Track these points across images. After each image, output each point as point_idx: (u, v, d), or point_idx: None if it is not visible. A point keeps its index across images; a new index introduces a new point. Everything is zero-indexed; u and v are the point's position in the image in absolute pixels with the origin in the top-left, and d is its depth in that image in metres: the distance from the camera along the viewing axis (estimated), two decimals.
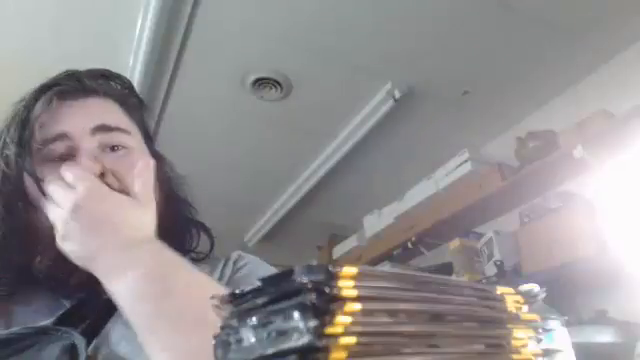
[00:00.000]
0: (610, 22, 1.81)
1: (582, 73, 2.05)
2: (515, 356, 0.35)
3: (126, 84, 0.74)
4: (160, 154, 0.75)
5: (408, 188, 2.53)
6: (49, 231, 0.56)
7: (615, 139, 1.69)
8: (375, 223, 2.73)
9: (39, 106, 0.62)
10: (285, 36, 1.84)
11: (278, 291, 0.30)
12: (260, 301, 0.31)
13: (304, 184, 2.75)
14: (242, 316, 0.32)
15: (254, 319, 0.31)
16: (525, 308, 0.37)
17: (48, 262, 0.59)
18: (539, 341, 0.37)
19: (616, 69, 1.97)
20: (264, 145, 2.47)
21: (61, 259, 0.56)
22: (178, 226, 0.71)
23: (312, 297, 0.27)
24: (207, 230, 0.75)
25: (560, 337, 0.64)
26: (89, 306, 0.58)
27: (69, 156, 0.61)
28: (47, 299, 0.61)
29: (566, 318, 0.65)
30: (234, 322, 0.33)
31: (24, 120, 0.62)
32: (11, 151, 0.61)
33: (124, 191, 0.60)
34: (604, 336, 1.48)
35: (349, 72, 2.02)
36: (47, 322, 0.55)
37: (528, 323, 0.37)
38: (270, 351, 0.28)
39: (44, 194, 0.58)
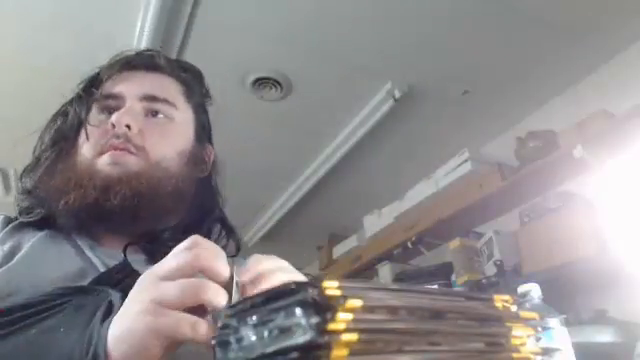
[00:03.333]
0: (610, 22, 1.81)
1: (582, 73, 2.05)
2: (514, 354, 0.35)
3: (197, 73, 0.87)
4: (210, 146, 0.85)
5: (408, 188, 2.52)
6: (86, 172, 0.68)
7: (615, 139, 1.68)
8: (375, 223, 2.73)
9: (109, 69, 0.77)
10: (285, 36, 1.83)
11: (277, 290, 0.30)
12: (260, 299, 0.31)
13: (304, 184, 2.75)
14: (242, 315, 0.32)
15: (254, 318, 0.31)
16: (514, 308, 0.37)
17: (79, 202, 0.66)
18: (538, 339, 0.37)
19: (616, 69, 1.97)
20: (264, 145, 2.47)
21: (92, 203, 0.65)
22: (206, 221, 0.78)
23: (314, 293, 0.27)
24: (233, 232, 0.81)
25: (559, 336, 0.64)
26: (123, 271, 0.60)
27: (118, 110, 0.73)
28: (74, 254, 0.66)
29: (564, 317, 0.65)
30: (234, 321, 0.33)
31: (93, 77, 0.78)
32: (81, 97, 0.75)
33: (139, 147, 0.70)
34: (604, 336, 1.48)
35: (349, 72, 2.02)
36: (83, 282, 0.58)
37: (526, 321, 0.37)
38: (271, 349, 0.28)
39: (86, 134, 0.72)
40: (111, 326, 0.42)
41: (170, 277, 0.42)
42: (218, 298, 0.41)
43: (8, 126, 1.87)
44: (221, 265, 0.43)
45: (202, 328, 0.40)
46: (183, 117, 0.78)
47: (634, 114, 1.66)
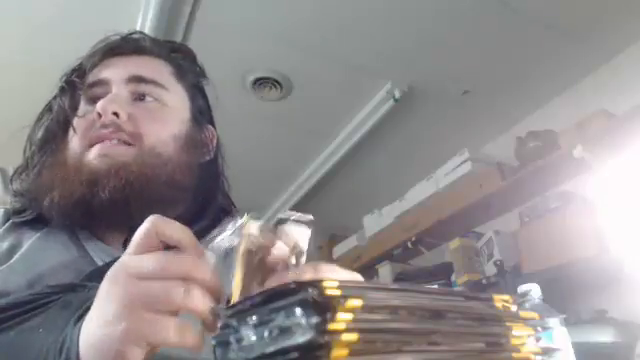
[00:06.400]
0: (610, 22, 1.81)
1: (582, 73, 2.05)
2: (514, 354, 0.35)
3: (188, 53, 0.81)
4: (211, 128, 0.80)
5: (408, 188, 2.52)
6: (74, 166, 0.65)
7: (615, 139, 1.68)
8: (375, 223, 2.72)
9: (91, 57, 0.74)
10: (285, 36, 1.83)
11: (277, 290, 0.30)
12: (260, 299, 0.31)
13: (304, 184, 2.75)
14: (242, 315, 0.32)
15: (254, 318, 0.31)
16: (514, 308, 0.37)
17: (66, 199, 0.63)
18: (538, 339, 0.37)
19: (616, 69, 1.97)
20: (264, 145, 2.47)
21: (79, 199, 0.62)
22: (210, 210, 0.73)
23: (314, 293, 0.27)
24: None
25: (559, 336, 0.64)
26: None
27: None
28: (73, 250, 0.64)
29: (564, 317, 0.65)
30: (234, 321, 0.33)
31: (77, 67, 0.75)
32: (65, 90, 0.72)
33: (134, 134, 0.66)
34: (604, 336, 1.48)
35: (349, 72, 2.02)
36: (74, 280, 0.56)
37: (526, 321, 0.37)
38: (271, 349, 0.28)
39: (73, 127, 0.68)
40: (83, 329, 0.38)
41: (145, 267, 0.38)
42: (205, 305, 0.36)
43: (8, 126, 1.87)
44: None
45: (189, 333, 0.36)
46: (175, 99, 0.74)
47: (634, 114, 1.66)
